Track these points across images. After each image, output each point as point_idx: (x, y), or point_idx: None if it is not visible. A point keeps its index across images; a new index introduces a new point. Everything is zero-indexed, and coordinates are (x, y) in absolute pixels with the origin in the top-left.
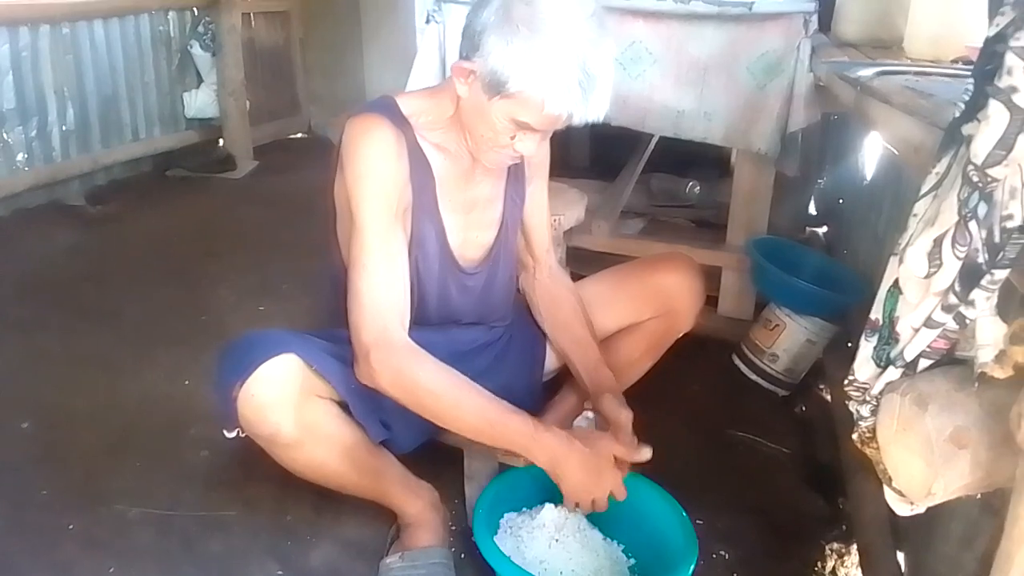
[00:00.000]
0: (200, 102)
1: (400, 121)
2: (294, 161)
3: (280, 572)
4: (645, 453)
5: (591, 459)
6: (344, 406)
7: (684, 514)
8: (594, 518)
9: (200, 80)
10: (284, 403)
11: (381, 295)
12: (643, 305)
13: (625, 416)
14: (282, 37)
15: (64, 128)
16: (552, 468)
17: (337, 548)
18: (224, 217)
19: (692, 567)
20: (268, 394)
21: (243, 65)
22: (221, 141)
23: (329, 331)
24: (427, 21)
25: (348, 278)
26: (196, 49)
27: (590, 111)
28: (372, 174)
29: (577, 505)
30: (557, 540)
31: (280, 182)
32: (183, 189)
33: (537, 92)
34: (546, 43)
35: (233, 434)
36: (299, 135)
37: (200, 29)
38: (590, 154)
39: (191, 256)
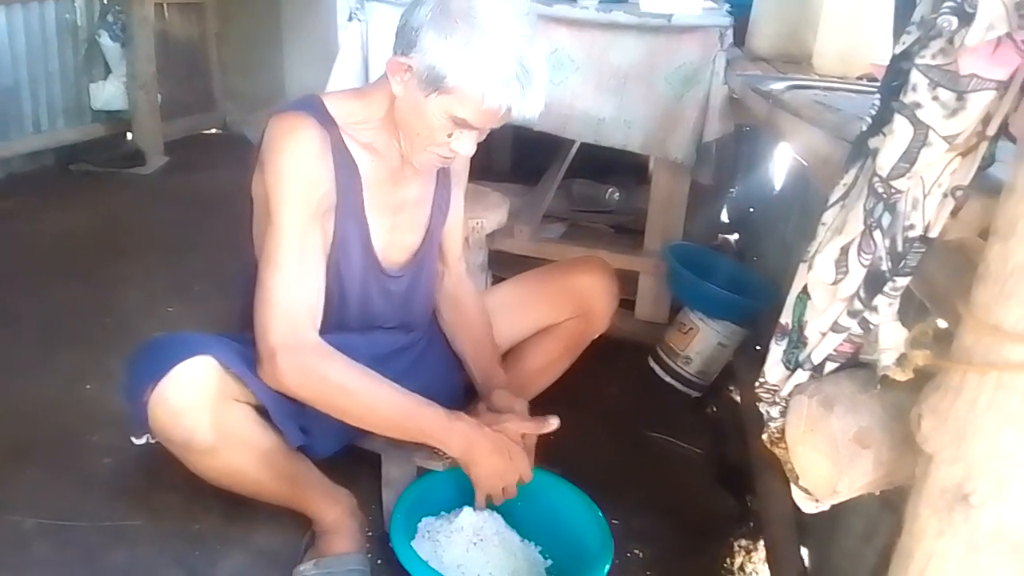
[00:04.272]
0: (108, 94)
1: (326, 121)
2: (208, 158)
3: None
4: (552, 422)
5: (502, 442)
6: (260, 410)
7: (600, 514)
8: (512, 520)
9: (108, 71)
10: (200, 407)
11: (292, 294)
12: (560, 306)
13: (519, 404)
14: (197, 30)
15: None
16: (466, 455)
17: (249, 558)
18: (132, 214)
19: (607, 567)
20: (183, 398)
21: (155, 57)
22: (129, 135)
23: (244, 334)
24: (349, 19)
25: (258, 276)
26: (105, 39)
27: (527, 106)
28: (293, 173)
29: (489, 497)
30: (475, 543)
31: (192, 179)
32: (88, 184)
33: (476, 86)
34: (485, 39)
35: (142, 440)
36: (214, 131)
37: (109, 19)
38: (512, 158)
39: (95, 255)
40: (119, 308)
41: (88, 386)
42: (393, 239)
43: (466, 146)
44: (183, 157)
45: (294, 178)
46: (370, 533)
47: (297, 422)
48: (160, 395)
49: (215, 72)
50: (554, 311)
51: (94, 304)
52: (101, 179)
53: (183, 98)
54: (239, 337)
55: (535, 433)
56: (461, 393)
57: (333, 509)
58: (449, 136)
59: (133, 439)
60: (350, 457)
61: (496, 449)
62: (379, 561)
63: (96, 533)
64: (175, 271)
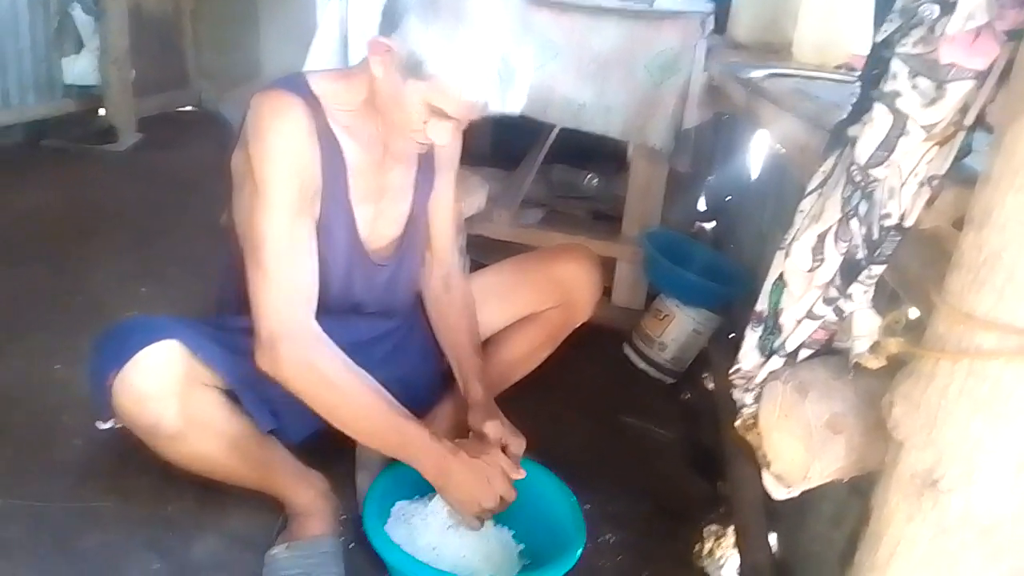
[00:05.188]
0: (80, 68)
1: (312, 101)
2: (182, 136)
3: (158, 566)
4: (520, 473)
5: (480, 468)
6: (230, 394)
7: (573, 499)
8: None
9: (81, 45)
10: (165, 393)
11: (291, 279)
12: (542, 295)
13: (491, 427)
14: (171, 5)
15: None
16: (439, 479)
17: (222, 540)
18: (103, 192)
19: (579, 552)
20: (148, 383)
21: (128, 32)
22: (102, 111)
23: (216, 318)
24: None
25: (251, 260)
26: (77, 12)
27: (507, 103)
28: (283, 153)
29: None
30: (449, 527)
31: (166, 157)
32: (58, 161)
33: (454, 78)
34: (469, 32)
35: (107, 425)
36: (188, 108)
37: None
38: (491, 142)
39: (66, 233)
40: (90, 288)
41: (58, 367)
42: (376, 227)
43: (441, 135)
44: (157, 134)
45: (284, 158)
46: (343, 516)
47: (268, 406)
48: (124, 381)
49: (189, 49)
50: (537, 300)
51: (64, 284)
52: (72, 156)
53: (157, 74)
54: (212, 320)
55: (509, 475)
56: (439, 381)
57: (306, 492)
58: (425, 123)
59: (99, 424)
60: (324, 440)
61: (471, 473)
62: (352, 544)
63: (67, 515)
64: (148, 251)
